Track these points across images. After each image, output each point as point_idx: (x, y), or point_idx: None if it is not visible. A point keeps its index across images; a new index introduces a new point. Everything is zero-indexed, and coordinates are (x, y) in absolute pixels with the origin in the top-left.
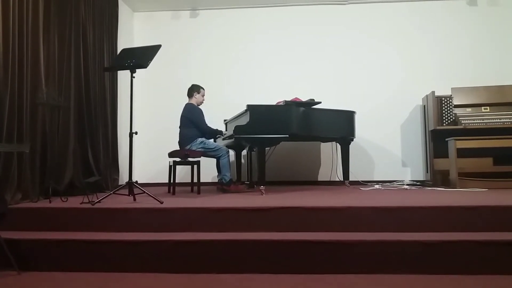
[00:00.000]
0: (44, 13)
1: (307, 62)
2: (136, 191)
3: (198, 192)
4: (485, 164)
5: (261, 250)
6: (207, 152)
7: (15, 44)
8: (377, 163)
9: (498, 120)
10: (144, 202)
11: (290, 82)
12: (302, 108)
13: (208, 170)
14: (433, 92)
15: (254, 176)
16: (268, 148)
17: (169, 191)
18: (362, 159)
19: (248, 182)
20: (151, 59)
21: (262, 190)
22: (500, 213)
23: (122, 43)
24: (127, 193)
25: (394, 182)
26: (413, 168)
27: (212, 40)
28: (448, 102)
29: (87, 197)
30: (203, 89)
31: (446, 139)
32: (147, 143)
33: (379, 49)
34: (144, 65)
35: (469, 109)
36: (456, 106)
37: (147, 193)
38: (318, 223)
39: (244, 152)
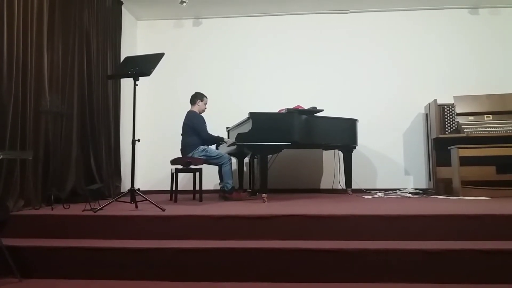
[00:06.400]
0: (48, 22)
1: (309, 70)
2: (138, 198)
3: (200, 200)
4: (488, 172)
5: (263, 258)
6: (209, 160)
7: (19, 52)
8: (379, 171)
9: (501, 129)
10: (146, 209)
11: (292, 90)
12: (304, 116)
13: (210, 177)
14: (435, 100)
15: (256, 184)
16: (270, 155)
17: (171, 199)
18: (365, 167)
19: (250, 190)
20: (154, 67)
21: (264, 198)
22: (503, 221)
23: (126, 51)
24: (129, 201)
25: (397, 191)
26: (416, 176)
27: (214, 48)
28: (450, 110)
29: (89, 204)
30: (206, 97)
31: (449, 147)
32: (149, 151)
33: (381, 57)
34: (147, 73)
35: (471, 118)
36: (459, 114)
37: (149, 200)
38: (320, 231)
39: (246, 160)
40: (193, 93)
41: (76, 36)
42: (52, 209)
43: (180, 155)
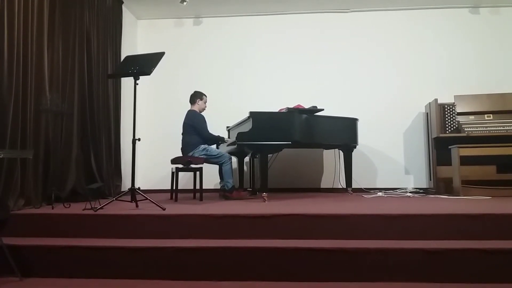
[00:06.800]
0: (49, 21)
1: (310, 69)
2: (138, 197)
3: (201, 199)
4: (489, 172)
5: (263, 257)
6: (210, 159)
7: (19, 51)
8: (380, 170)
9: (501, 128)
10: (147, 208)
11: (293, 89)
12: (304, 115)
13: (211, 176)
14: (436, 100)
15: (256, 183)
16: (271, 155)
17: (171, 198)
18: (365, 167)
19: (250, 189)
20: (154, 66)
21: (264, 197)
22: (504, 221)
23: (126, 50)
24: (130, 200)
25: (397, 190)
26: (416, 175)
27: (215, 47)
28: (451, 109)
29: (90, 203)
30: (206, 96)
31: (449, 147)
32: (150, 150)
33: (381, 57)
34: (147, 72)
35: (472, 117)
36: (459, 113)
37: (149, 199)
38: (321, 231)
39: (246, 159)
40: (192, 92)
41: (76, 35)
42: (52, 208)
43: (180, 154)
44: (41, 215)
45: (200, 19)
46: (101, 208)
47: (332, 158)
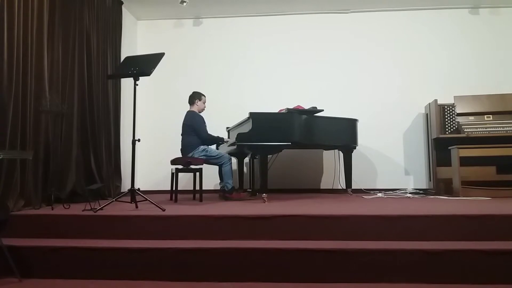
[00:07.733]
0: (49, 21)
1: (309, 70)
2: (138, 198)
3: (200, 200)
4: (488, 172)
5: (263, 258)
6: (210, 160)
7: (19, 51)
8: (379, 171)
9: (501, 129)
10: (146, 209)
11: (292, 90)
12: (304, 116)
13: (211, 177)
14: (435, 101)
15: (256, 184)
16: (271, 155)
17: (171, 199)
18: (365, 167)
19: (250, 190)
20: (154, 66)
21: (264, 198)
22: (503, 222)
23: (126, 51)
24: (129, 201)
25: (397, 191)
26: (416, 176)
27: (215, 48)
28: (450, 110)
29: (89, 204)
30: (204, 96)
31: (449, 148)
32: (149, 150)
33: (381, 57)
34: (147, 73)
35: (471, 118)
36: (459, 114)
37: (149, 200)
38: (321, 232)
39: (246, 160)
40: (191, 93)
41: (76, 36)
42: (52, 209)
43: (180, 155)
44: (41, 216)
45: (200, 19)
46: (101, 209)
47: (332, 159)
